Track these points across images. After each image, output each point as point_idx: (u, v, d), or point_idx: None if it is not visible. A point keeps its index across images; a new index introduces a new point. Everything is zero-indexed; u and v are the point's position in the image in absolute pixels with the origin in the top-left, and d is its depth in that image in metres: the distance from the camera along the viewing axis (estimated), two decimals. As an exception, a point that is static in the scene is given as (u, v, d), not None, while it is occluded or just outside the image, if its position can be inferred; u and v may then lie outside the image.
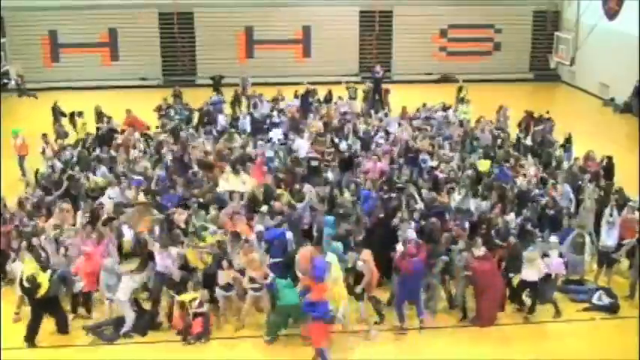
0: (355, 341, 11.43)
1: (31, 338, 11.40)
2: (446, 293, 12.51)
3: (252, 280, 11.59)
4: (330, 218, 13.17)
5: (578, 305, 12.62)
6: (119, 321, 11.64)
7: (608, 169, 16.42)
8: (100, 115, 20.03)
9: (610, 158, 16.65)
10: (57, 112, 20.76)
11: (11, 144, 18.72)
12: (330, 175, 15.91)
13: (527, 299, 12.34)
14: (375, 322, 11.84)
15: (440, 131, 19.11)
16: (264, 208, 13.77)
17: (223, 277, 11.72)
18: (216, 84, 25.69)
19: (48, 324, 11.68)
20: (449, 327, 11.98)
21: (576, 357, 11.23)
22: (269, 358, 11.25)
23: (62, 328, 11.68)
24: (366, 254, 11.66)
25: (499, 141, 18.34)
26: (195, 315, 11.53)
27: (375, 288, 11.98)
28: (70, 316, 11.95)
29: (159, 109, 21.12)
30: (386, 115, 21.67)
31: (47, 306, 11.47)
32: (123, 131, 19.12)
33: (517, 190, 14.90)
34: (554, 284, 12.34)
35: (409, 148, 17.21)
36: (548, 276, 12.10)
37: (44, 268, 11.40)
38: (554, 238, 12.65)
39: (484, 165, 16.54)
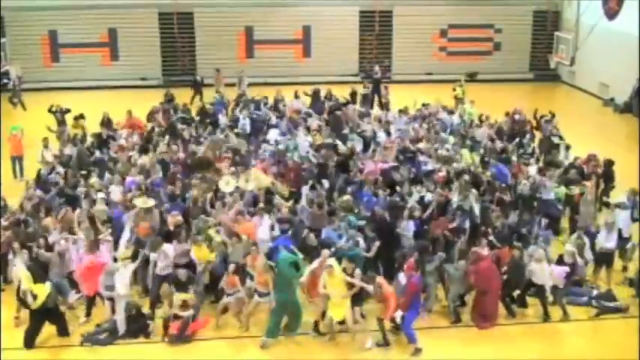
0: (354, 342, 11.42)
1: (29, 344, 11.36)
2: (445, 291, 12.48)
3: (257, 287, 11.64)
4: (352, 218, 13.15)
5: (578, 305, 12.58)
6: (115, 325, 11.61)
7: (608, 173, 16.37)
8: (108, 122, 19.92)
9: (610, 162, 16.55)
10: (57, 112, 20.67)
11: (7, 140, 18.74)
12: (325, 181, 15.75)
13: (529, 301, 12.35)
14: (378, 344, 11.50)
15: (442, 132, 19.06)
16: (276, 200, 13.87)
17: (225, 283, 11.74)
18: (196, 85, 25.67)
19: (48, 325, 11.66)
20: (448, 327, 11.96)
21: (577, 357, 11.25)
22: (269, 358, 11.25)
23: (63, 332, 11.67)
24: (378, 284, 11.42)
25: (498, 143, 18.19)
26: (175, 317, 11.47)
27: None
28: (84, 319, 11.97)
29: (151, 114, 21.03)
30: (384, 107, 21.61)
31: (45, 315, 11.45)
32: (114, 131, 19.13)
33: (520, 191, 14.89)
34: (563, 291, 12.24)
35: (407, 149, 17.18)
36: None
37: (42, 279, 11.38)
38: (569, 247, 12.58)
39: (471, 157, 16.42)
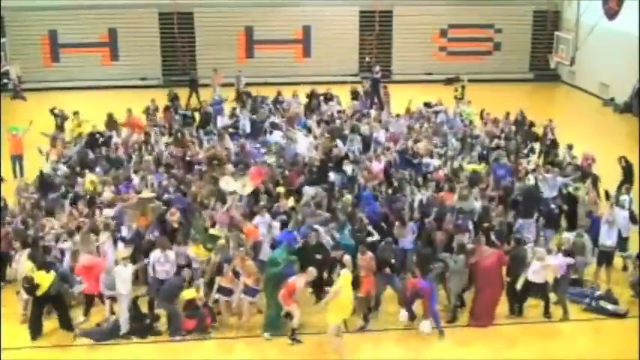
0: (354, 341, 11.42)
1: (34, 332, 11.45)
2: (446, 292, 12.47)
3: (246, 286, 11.62)
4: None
5: (578, 305, 12.57)
6: (116, 324, 11.63)
7: (628, 173, 16.36)
8: (111, 122, 19.91)
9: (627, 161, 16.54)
10: (57, 116, 20.67)
11: (7, 138, 18.75)
12: (332, 177, 15.73)
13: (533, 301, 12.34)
14: (361, 328, 11.76)
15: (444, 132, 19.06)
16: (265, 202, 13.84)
17: (221, 281, 11.75)
18: (191, 83, 25.66)
19: (49, 324, 11.72)
20: (449, 327, 11.94)
21: (577, 357, 11.24)
22: (268, 358, 11.27)
23: (66, 324, 11.69)
24: (367, 256, 11.65)
25: (495, 142, 18.13)
26: (204, 305, 11.67)
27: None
28: (82, 318, 11.98)
29: (147, 110, 21.05)
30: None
31: (49, 303, 11.53)
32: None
33: (522, 189, 14.89)
34: (564, 285, 12.19)
35: (406, 150, 17.17)
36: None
37: (47, 268, 11.42)
38: (567, 235, 12.58)
39: (474, 168, 16.43)
